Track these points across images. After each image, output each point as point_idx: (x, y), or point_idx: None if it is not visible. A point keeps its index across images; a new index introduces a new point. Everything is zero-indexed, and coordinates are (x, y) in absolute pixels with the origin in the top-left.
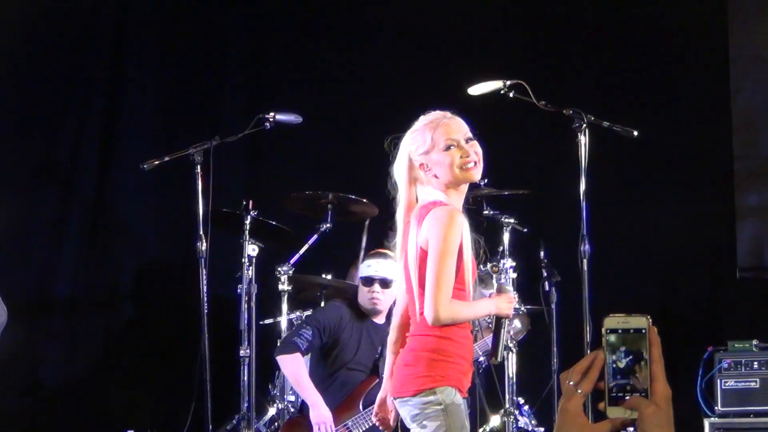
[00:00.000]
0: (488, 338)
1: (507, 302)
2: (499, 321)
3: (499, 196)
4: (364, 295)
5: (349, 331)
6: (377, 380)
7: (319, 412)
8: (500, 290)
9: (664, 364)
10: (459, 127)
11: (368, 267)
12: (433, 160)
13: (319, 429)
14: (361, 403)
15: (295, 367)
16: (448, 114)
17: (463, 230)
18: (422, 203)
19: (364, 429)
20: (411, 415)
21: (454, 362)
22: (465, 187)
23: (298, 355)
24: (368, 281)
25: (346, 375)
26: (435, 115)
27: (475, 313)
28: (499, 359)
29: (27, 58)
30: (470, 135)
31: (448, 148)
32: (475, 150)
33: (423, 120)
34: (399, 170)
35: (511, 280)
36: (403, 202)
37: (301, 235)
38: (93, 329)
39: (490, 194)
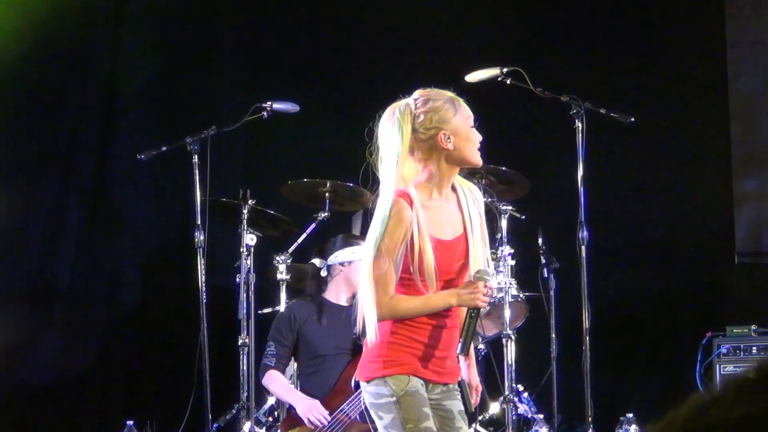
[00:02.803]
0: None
1: (470, 292)
2: (468, 312)
3: (497, 185)
4: (350, 279)
5: (310, 324)
6: None
7: (303, 405)
8: (476, 278)
9: None
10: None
11: (353, 253)
12: (458, 131)
13: (309, 421)
14: (352, 384)
15: (273, 386)
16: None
17: (413, 225)
18: (397, 185)
19: (361, 409)
20: (368, 403)
21: (408, 347)
22: (456, 172)
23: (269, 373)
24: None
25: (328, 363)
26: (447, 92)
27: (426, 307)
28: (463, 351)
29: (25, 48)
30: None
31: (472, 126)
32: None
33: (437, 92)
34: (393, 144)
35: (509, 267)
36: (398, 173)
37: (299, 224)
38: (92, 319)
39: (488, 179)
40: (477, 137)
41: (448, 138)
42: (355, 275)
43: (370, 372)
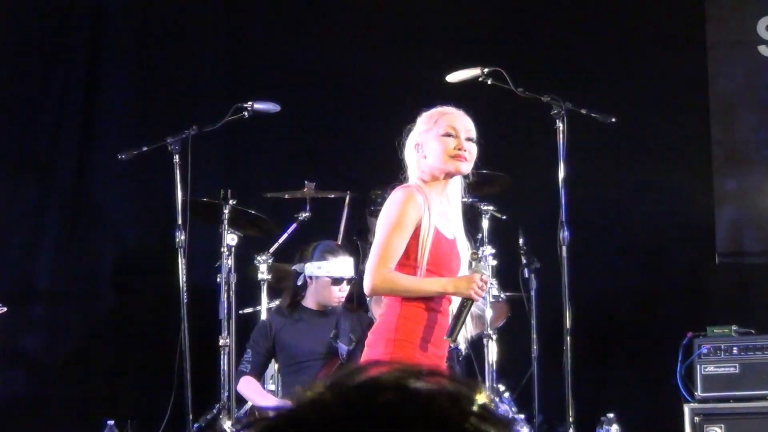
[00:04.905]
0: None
1: (467, 282)
2: (462, 302)
3: (478, 183)
4: (328, 292)
5: (287, 330)
6: (339, 363)
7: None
8: (473, 270)
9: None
10: (465, 123)
11: (318, 269)
12: (428, 141)
13: None
14: None
15: (247, 391)
16: (461, 111)
17: (423, 212)
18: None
19: None
20: None
21: (413, 343)
22: (448, 182)
23: (243, 378)
24: (338, 281)
25: (305, 368)
26: (450, 107)
27: (421, 287)
28: (455, 341)
29: (3, 49)
30: (473, 136)
31: (446, 135)
32: (471, 149)
33: (438, 107)
34: (407, 149)
35: (490, 267)
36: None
37: (281, 224)
38: (72, 319)
39: (469, 179)
40: (451, 144)
41: (421, 148)
42: (322, 291)
43: None
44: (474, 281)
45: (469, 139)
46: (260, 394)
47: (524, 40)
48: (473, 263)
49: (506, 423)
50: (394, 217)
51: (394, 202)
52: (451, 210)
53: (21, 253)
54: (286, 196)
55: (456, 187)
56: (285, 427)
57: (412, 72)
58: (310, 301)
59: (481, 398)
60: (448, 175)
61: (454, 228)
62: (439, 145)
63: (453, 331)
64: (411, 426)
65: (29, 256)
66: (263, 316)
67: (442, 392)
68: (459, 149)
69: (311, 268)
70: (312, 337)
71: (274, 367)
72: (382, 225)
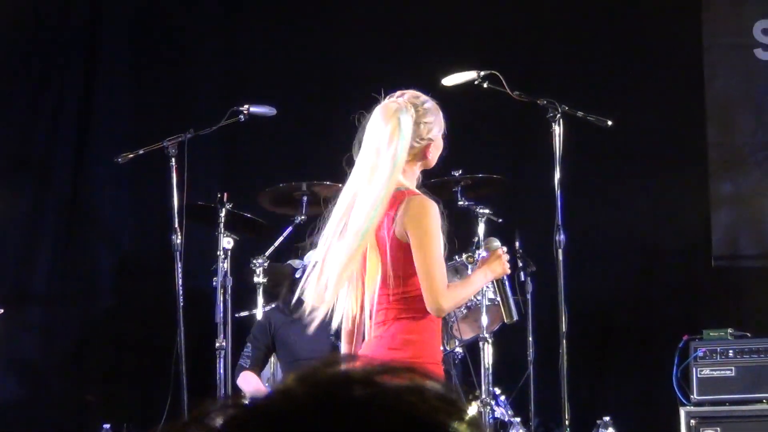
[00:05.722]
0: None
1: (497, 261)
2: (498, 283)
3: (474, 186)
4: None
5: (287, 328)
6: None
7: None
8: (488, 249)
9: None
10: None
11: None
12: (437, 141)
13: None
14: None
15: (246, 386)
16: None
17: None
18: (397, 188)
19: None
20: None
21: (433, 354)
22: None
23: (243, 374)
24: None
25: (305, 367)
26: (433, 101)
27: (475, 287)
28: (514, 317)
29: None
30: None
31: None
32: None
33: (430, 101)
34: (394, 141)
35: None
36: (393, 176)
37: (276, 227)
38: (69, 323)
39: (465, 182)
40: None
41: (431, 150)
42: None
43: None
44: (502, 257)
45: None
46: (259, 390)
47: (521, 43)
48: (482, 245)
49: (475, 422)
50: (433, 231)
51: (425, 215)
52: None
53: (18, 257)
54: (281, 185)
55: None
56: (251, 416)
57: (409, 75)
58: None
59: (453, 396)
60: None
61: None
62: (440, 146)
63: (509, 311)
64: (378, 420)
65: (26, 259)
66: (259, 319)
67: (411, 388)
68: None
69: (311, 259)
70: (312, 334)
71: (269, 370)
72: (422, 240)
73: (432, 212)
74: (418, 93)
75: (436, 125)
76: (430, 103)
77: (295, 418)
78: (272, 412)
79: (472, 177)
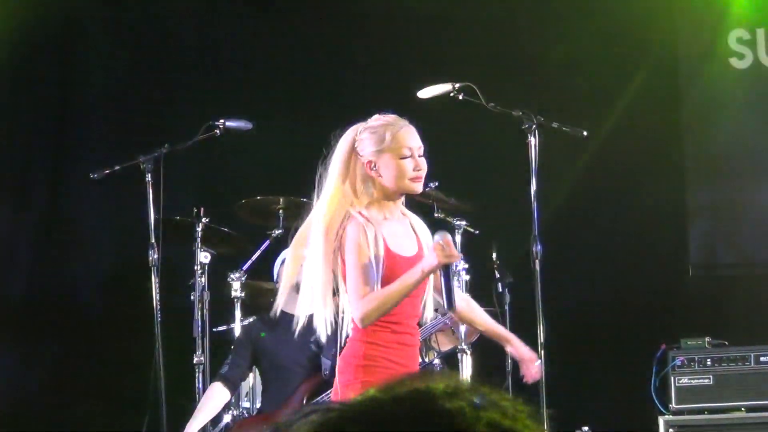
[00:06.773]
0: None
1: (433, 255)
2: (442, 272)
3: (450, 198)
4: None
5: (268, 337)
6: (319, 379)
7: None
8: (436, 239)
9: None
10: (416, 138)
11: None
12: (385, 162)
13: None
14: (304, 403)
15: (204, 397)
16: (406, 121)
17: (373, 233)
18: (339, 210)
19: None
20: None
21: (382, 366)
22: (401, 199)
23: (213, 385)
24: None
25: (286, 374)
26: (393, 117)
27: (403, 285)
28: (455, 309)
29: None
30: (422, 150)
31: (404, 157)
32: (424, 165)
33: (381, 119)
34: (336, 161)
35: (464, 281)
36: (331, 197)
37: (254, 242)
38: (47, 338)
39: (441, 194)
40: (410, 166)
41: (373, 168)
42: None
43: (345, 396)
44: (437, 249)
45: (420, 156)
46: (201, 409)
47: (496, 55)
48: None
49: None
50: (349, 247)
51: (345, 235)
52: (414, 224)
53: None
54: (258, 197)
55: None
56: (339, 420)
57: (384, 88)
58: (290, 306)
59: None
60: (403, 194)
61: (412, 242)
62: (397, 168)
63: (450, 302)
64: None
65: (3, 274)
66: (237, 334)
67: (493, 402)
68: (418, 170)
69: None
70: (293, 343)
71: (249, 383)
72: (348, 263)
73: (349, 230)
74: (386, 116)
75: (369, 143)
76: (377, 123)
77: (381, 420)
78: (358, 414)
79: (448, 189)
